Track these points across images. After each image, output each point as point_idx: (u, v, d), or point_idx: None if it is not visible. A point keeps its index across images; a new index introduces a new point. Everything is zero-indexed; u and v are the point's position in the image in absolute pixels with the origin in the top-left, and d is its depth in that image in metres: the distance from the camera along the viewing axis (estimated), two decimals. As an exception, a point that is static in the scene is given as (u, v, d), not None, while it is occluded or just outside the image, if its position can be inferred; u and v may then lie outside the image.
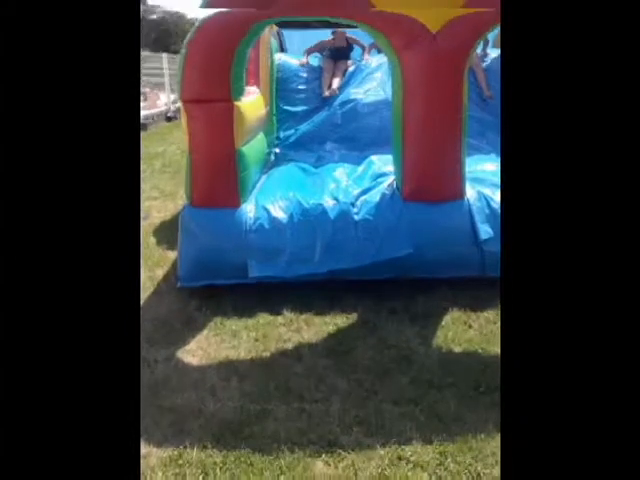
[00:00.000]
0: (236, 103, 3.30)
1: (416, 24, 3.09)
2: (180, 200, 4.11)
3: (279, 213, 3.41)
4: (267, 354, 2.72)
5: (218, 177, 3.40)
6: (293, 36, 7.17)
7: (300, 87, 5.57)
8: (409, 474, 1.89)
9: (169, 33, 31.68)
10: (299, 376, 2.48)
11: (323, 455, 1.98)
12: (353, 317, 3.14)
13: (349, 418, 2.17)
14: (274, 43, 5.59)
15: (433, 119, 3.29)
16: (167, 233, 4.62)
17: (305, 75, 5.63)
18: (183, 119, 3.38)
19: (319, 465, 1.93)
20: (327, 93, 5.30)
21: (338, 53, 5.47)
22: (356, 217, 3.41)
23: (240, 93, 3.39)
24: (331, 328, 3.00)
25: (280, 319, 3.12)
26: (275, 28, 5.97)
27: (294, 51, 6.97)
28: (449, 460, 1.94)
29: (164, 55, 13.44)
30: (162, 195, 5.02)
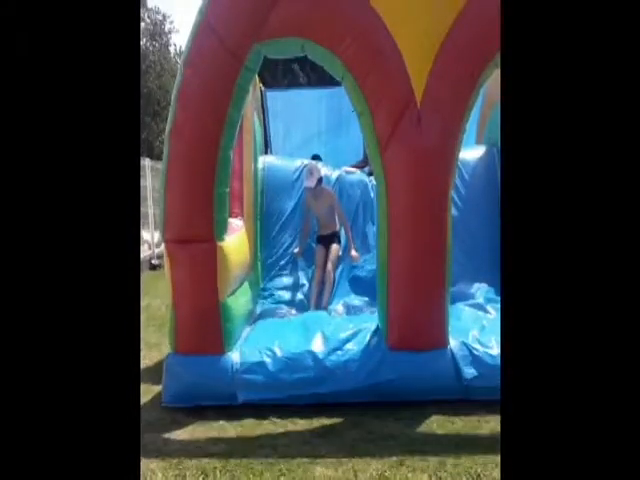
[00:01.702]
0: (219, 244, 3.37)
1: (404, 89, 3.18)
2: (165, 349, 4.21)
3: (266, 359, 3.44)
4: (253, 432, 2.71)
5: (202, 328, 3.41)
6: (277, 98, 7.05)
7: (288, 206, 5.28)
8: (409, 475, 1.86)
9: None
10: (284, 445, 2.48)
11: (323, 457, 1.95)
12: (339, 419, 3.15)
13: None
14: (258, 131, 5.20)
15: (418, 263, 3.36)
16: (152, 376, 4.53)
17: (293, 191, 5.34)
18: (167, 265, 3.48)
19: (319, 467, 1.90)
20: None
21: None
22: (342, 359, 3.50)
23: (223, 229, 3.46)
24: (316, 425, 3.02)
25: (266, 422, 3.12)
26: (259, 87, 5.75)
27: (278, 114, 6.80)
28: (449, 462, 1.93)
29: (147, 161, 9.36)
30: (147, 346, 5.04)
